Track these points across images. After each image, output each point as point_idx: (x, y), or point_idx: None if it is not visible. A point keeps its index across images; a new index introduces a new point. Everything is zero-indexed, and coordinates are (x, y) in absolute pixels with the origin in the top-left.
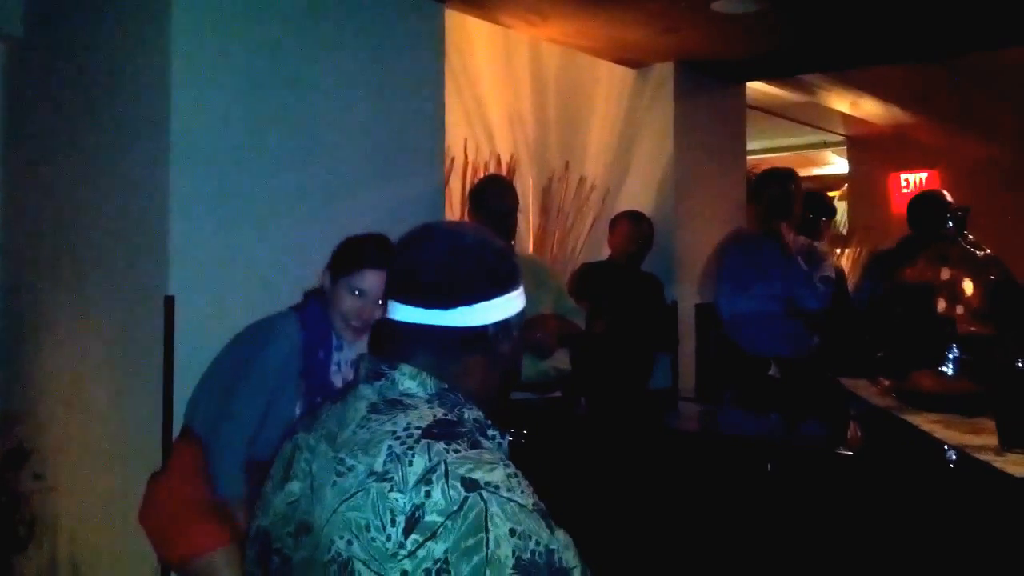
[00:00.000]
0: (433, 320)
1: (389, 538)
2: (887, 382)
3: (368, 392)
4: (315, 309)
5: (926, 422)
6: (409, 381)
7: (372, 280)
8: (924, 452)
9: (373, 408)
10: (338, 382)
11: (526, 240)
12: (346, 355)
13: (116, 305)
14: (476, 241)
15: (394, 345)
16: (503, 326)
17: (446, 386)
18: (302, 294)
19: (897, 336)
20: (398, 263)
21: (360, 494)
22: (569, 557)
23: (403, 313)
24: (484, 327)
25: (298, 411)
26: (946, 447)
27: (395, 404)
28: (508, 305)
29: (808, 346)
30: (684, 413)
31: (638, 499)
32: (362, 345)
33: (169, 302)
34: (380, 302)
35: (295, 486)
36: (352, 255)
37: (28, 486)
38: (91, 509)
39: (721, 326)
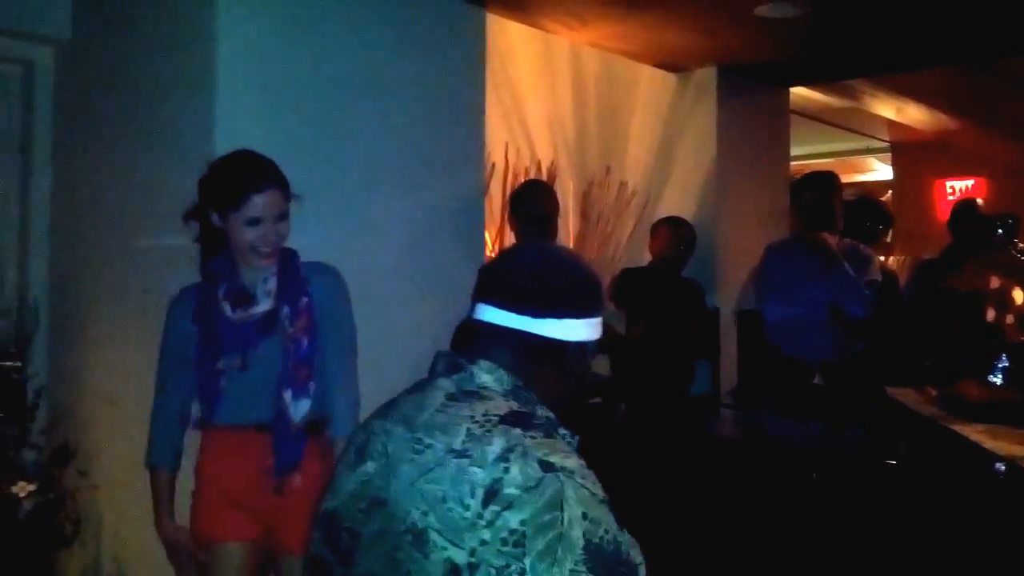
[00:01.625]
0: (520, 325)
1: (468, 508)
2: (934, 391)
3: (446, 384)
4: (211, 262)
5: (973, 432)
6: (486, 375)
7: (261, 204)
8: (971, 463)
9: (451, 397)
10: (227, 310)
11: (566, 245)
12: (259, 288)
13: (161, 305)
14: (573, 261)
15: (475, 343)
16: (581, 346)
17: (520, 384)
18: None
19: (945, 344)
20: (494, 267)
21: (438, 469)
22: (636, 554)
23: (490, 314)
24: (564, 343)
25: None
26: (995, 458)
27: (472, 395)
28: (590, 329)
29: (852, 353)
30: (725, 420)
31: (679, 506)
32: (271, 281)
33: None
34: (279, 218)
35: (369, 466)
36: (231, 186)
37: (74, 484)
38: (135, 507)
39: (764, 332)
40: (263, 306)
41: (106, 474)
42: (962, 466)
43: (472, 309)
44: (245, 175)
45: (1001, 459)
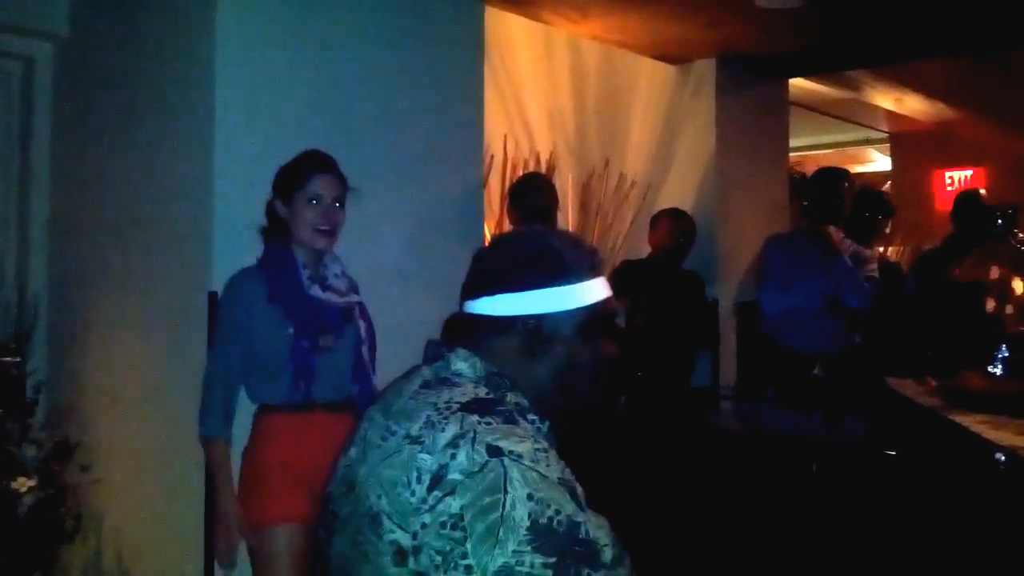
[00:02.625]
0: (500, 310)
1: (414, 493)
2: (934, 382)
3: (425, 371)
4: (271, 245)
5: (974, 423)
6: (461, 363)
7: (323, 184)
8: (972, 453)
9: (425, 384)
10: (318, 292)
11: None
12: (327, 270)
13: (160, 301)
14: (521, 236)
15: (460, 331)
16: (537, 319)
17: (495, 370)
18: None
19: (946, 335)
20: (472, 268)
21: (395, 455)
22: (600, 535)
23: (473, 306)
24: (512, 317)
25: (290, 330)
26: (995, 448)
27: (444, 382)
28: (545, 299)
29: (851, 344)
30: (725, 411)
31: (679, 497)
32: (337, 264)
33: (213, 298)
34: (337, 203)
35: (352, 452)
36: (296, 170)
37: (75, 479)
38: (136, 502)
39: (763, 324)
40: (337, 284)
41: (107, 469)
42: (963, 456)
43: (460, 307)
44: (310, 160)
45: (1002, 449)
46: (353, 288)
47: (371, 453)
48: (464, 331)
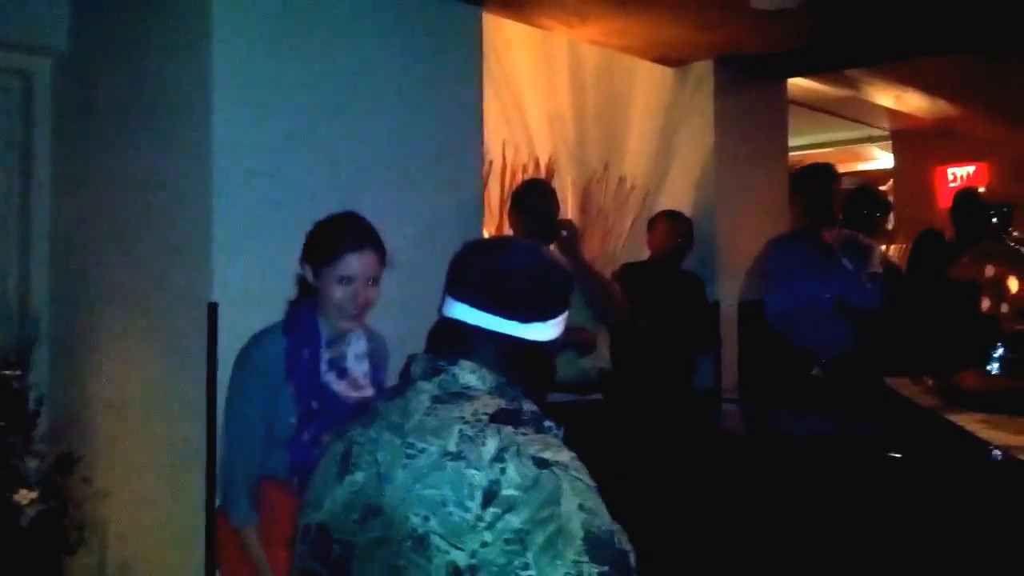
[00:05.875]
0: (506, 329)
1: (467, 511)
2: (931, 381)
3: (428, 387)
4: (298, 310)
5: (971, 422)
6: (469, 375)
7: (356, 264)
8: (969, 452)
9: (437, 400)
10: (332, 382)
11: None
12: (348, 349)
13: (160, 312)
14: (552, 262)
15: (456, 344)
16: (556, 341)
17: (504, 380)
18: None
19: (941, 334)
20: (475, 267)
21: (435, 473)
22: (625, 541)
23: (473, 317)
24: (546, 343)
25: (293, 419)
26: (991, 447)
27: (458, 396)
28: (563, 322)
29: (857, 344)
30: (728, 414)
31: (682, 501)
32: (360, 342)
33: (212, 308)
34: (371, 282)
35: (359, 476)
36: (328, 243)
37: (78, 491)
38: (139, 513)
39: (766, 326)
40: (354, 371)
41: (110, 481)
42: (960, 455)
43: (444, 304)
44: (344, 233)
45: (998, 448)
46: (376, 363)
47: (395, 474)
48: (460, 339)
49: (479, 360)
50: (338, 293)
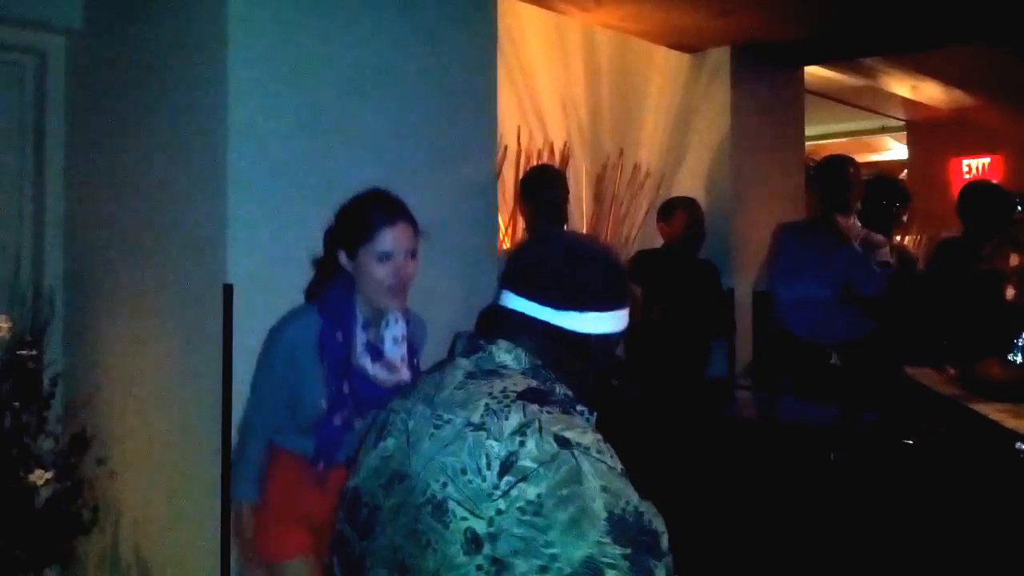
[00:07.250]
0: (543, 316)
1: (484, 479)
2: (953, 370)
3: (465, 363)
4: (334, 291)
5: (994, 411)
6: (505, 355)
7: (392, 238)
8: (992, 442)
9: (470, 375)
10: (367, 364)
11: (580, 228)
12: (387, 332)
13: (176, 293)
14: (598, 253)
15: (499, 327)
16: (604, 339)
17: (539, 363)
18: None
19: (964, 323)
20: (520, 256)
21: (457, 442)
22: (659, 523)
23: (516, 303)
24: (587, 335)
25: (323, 402)
26: (1016, 437)
27: (492, 373)
28: (613, 321)
29: (863, 332)
30: (742, 401)
31: (696, 488)
32: (399, 325)
33: (228, 290)
34: (409, 255)
35: (390, 443)
36: (362, 221)
37: (92, 471)
38: (153, 494)
39: (775, 313)
40: (391, 354)
41: (124, 461)
42: (983, 445)
43: (498, 295)
44: (376, 209)
45: (1022, 438)
46: (414, 346)
47: (422, 443)
48: (502, 323)
49: (517, 342)
50: (380, 271)
